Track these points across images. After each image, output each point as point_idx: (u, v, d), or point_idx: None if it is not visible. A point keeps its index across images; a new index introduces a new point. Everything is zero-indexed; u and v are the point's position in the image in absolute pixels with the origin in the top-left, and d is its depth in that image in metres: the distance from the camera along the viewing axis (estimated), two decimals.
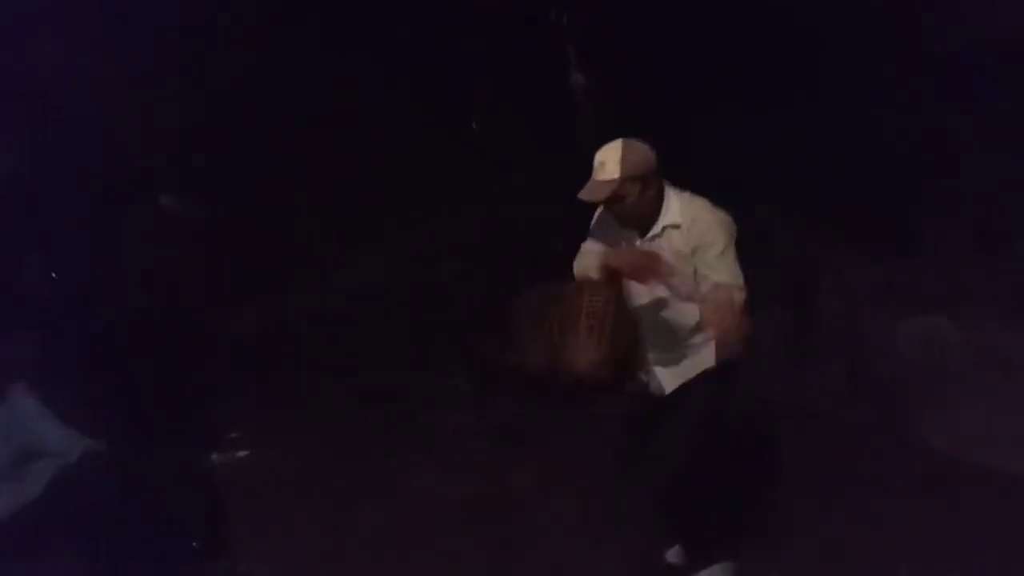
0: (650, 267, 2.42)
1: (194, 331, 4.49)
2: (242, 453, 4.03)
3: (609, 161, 2.38)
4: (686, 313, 2.52)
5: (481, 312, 4.75)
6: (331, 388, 4.49)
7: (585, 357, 3.86)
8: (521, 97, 5.22)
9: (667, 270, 2.41)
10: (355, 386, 4.51)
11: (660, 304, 2.54)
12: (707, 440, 2.66)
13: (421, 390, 4.51)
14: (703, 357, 2.60)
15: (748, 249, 4.36)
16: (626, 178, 2.37)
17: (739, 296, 2.40)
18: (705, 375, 2.61)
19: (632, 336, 3.63)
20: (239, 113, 5.02)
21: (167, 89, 4.86)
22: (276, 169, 5.11)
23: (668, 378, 2.64)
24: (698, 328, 2.54)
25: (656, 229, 2.49)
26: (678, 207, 2.47)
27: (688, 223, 2.45)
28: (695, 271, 2.47)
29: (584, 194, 2.43)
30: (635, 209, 2.45)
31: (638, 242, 2.54)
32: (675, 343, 2.58)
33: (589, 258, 2.62)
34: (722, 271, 2.42)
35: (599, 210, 2.62)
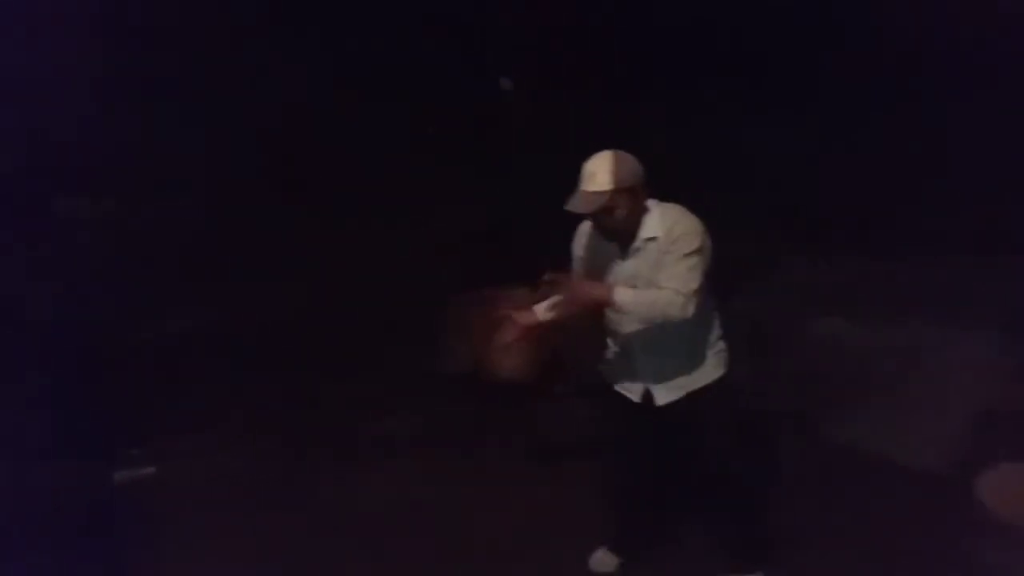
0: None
1: (93, 342, 4.26)
2: (148, 470, 3.85)
3: (600, 172, 2.35)
4: (689, 326, 2.47)
5: (404, 317, 4.69)
6: (248, 398, 4.34)
7: (509, 363, 3.94)
8: (451, 99, 5.19)
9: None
10: (274, 394, 4.39)
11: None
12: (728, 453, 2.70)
13: (342, 397, 4.42)
14: (698, 370, 2.61)
15: None
16: (617, 190, 2.35)
17: (677, 301, 2.37)
18: (702, 394, 2.62)
19: (559, 339, 3.71)
20: (169, 112, 4.81)
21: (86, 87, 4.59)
22: (192, 175, 4.91)
23: (661, 391, 2.62)
24: (694, 339, 2.58)
25: (638, 243, 2.48)
26: (657, 219, 2.46)
27: (664, 233, 2.43)
28: None
29: (573, 206, 2.38)
30: (622, 223, 2.42)
31: (619, 260, 2.52)
32: (667, 353, 2.57)
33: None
34: (672, 277, 2.40)
35: (577, 230, 2.62)
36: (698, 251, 2.40)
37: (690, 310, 2.36)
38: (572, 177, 2.42)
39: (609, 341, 2.73)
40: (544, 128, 4.92)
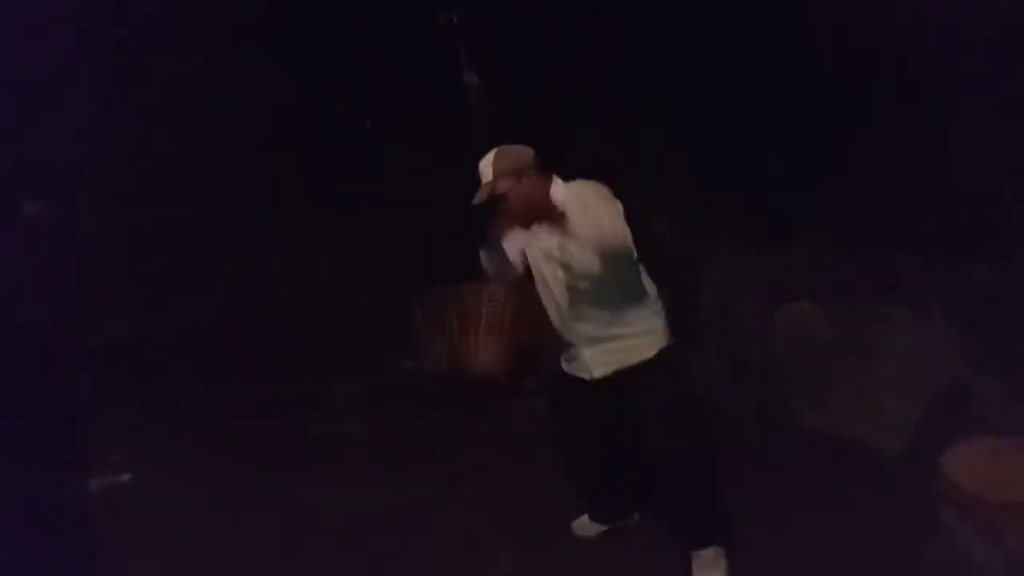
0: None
1: (64, 346, 4.20)
2: (124, 477, 3.81)
3: (485, 167, 2.64)
4: (620, 289, 2.71)
5: (373, 317, 4.68)
6: (216, 399, 4.31)
7: (486, 357, 4.00)
8: (417, 96, 5.18)
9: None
10: (242, 396, 4.36)
11: (580, 280, 2.69)
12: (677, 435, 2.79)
13: (311, 398, 4.41)
14: (637, 347, 2.75)
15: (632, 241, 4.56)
16: (499, 177, 2.60)
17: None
18: (644, 369, 2.75)
19: (530, 335, 3.80)
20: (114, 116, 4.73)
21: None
22: (147, 173, 4.84)
23: (597, 363, 2.78)
24: (624, 308, 2.73)
25: (545, 220, 2.66)
26: (563, 193, 2.63)
27: (577, 209, 2.57)
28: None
29: (475, 199, 2.64)
30: (519, 204, 2.63)
31: (534, 241, 2.73)
32: (605, 322, 2.72)
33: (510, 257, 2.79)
34: (615, 233, 2.56)
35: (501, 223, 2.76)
36: (614, 203, 2.57)
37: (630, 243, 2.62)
38: None
39: (559, 332, 2.85)
40: (510, 124, 4.95)
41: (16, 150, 4.44)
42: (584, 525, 3.19)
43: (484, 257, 2.81)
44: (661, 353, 2.79)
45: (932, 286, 3.78)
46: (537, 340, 4.34)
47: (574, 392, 2.90)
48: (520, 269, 2.84)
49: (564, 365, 2.92)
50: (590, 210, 2.53)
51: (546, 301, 2.84)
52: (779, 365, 4.08)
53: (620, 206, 2.60)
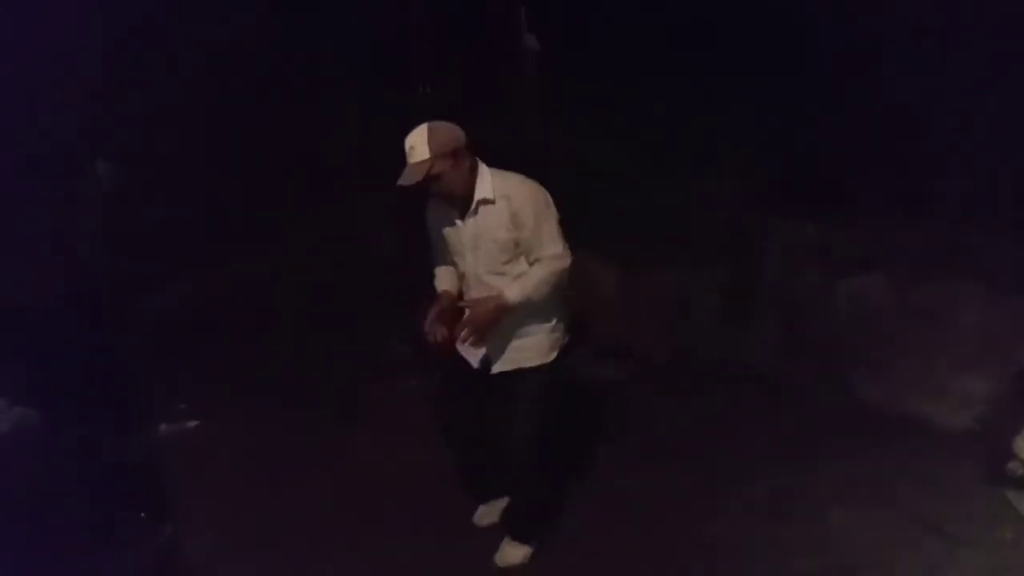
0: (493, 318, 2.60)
1: (135, 302, 4.37)
2: (192, 424, 3.97)
3: (418, 144, 2.49)
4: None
5: (424, 280, 4.73)
6: (278, 358, 4.43)
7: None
8: (471, 61, 5.16)
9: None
10: (302, 356, 4.47)
11: (495, 276, 2.65)
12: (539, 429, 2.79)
13: (367, 359, 4.50)
14: (534, 348, 2.74)
15: (688, 210, 4.51)
16: (436, 156, 2.48)
17: (562, 264, 2.63)
18: (536, 371, 2.74)
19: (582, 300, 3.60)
20: (169, 82, 4.84)
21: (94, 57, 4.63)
22: (207, 138, 4.96)
23: (495, 358, 2.75)
24: (534, 310, 2.68)
25: (474, 204, 2.61)
26: (490, 184, 2.60)
27: (503, 199, 2.58)
28: (516, 244, 2.62)
29: (402, 180, 2.52)
30: (452, 186, 2.56)
31: (458, 222, 2.65)
32: (510, 319, 2.66)
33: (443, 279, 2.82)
34: (547, 242, 2.61)
35: (428, 205, 2.76)
36: (548, 212, 2.61)
37: (569, 260, 2.63)
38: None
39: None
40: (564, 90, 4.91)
41: (87, 111, 4.59)
42: (483, 514, 3.17)
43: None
44: (554, 362, 2.77)
45: (1003, 259, 3.62)
46: (589, 305, 4.35)
47: (464, 375, 2.81)
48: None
49: (459, 345, 2.78)
50: (522, 208, 2.55)
51: (465, 289, 2.79)
52: (840, 337, 4.00)
53: (549, 199, 2.61)
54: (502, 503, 3.13)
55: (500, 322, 2.63)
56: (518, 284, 2.61)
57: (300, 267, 4.93)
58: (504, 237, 2.60)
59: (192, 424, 3.97)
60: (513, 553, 2.95)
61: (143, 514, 3.11)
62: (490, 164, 2.65)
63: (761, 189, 4.43)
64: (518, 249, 2.63)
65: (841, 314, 4.05)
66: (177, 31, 4.78)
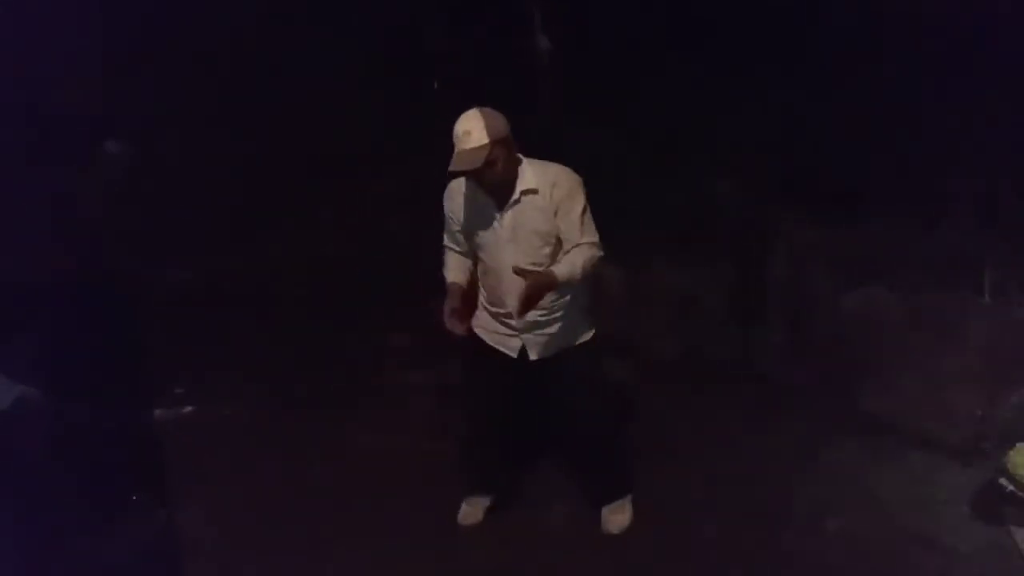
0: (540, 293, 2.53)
1: (138, 285, 4.37)
2: (187, 409, 3.97)
3: (475, 129, 2.41)
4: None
5: (432, 270, 4.72)
6: (281, 346, 4.43)
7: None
8: (484, 58, 5.13)
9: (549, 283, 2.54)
10: (305, 344, 4.47)
11: (536, 267, 2.59)
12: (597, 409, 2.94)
13: (371, 348, 4.49)
14: (573, 329, 2.76)
15: (694, 210, 4.48)
16: (494, 141, 2.41)
17: (600, 252, 2.64)
18: (579, 348, 2.78)
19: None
20: (175, 69, 4.83)
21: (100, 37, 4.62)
22: (222, 122, 4.94)
23: (534, 347, 2.75)
24: (574, 303, 2.72)
25: (515, 195, 2.56)
26: (531, 173, 2.56)
27: (548, 187, 2.55)
28: (557, 234, 2.60)
29: (457, 165, 2.45)
30: (502, 174, 2.49)
31: (497, 215, 2.59)
32: (547, 308, 2.66)
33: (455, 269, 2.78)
34: (587, 231, 2.60)
35: (448, 192, 2.70)
36: (585, 200, 2.59)
37: (602, 251, 2.63)
38: None
39: (483, 300, 2.80)
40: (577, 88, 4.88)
41: (97, 90, 4.58)
42: (467, 513, 3.15)
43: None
44: (592, 339, 2.81)
45: (1010, 270, 3.59)
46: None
47: (496, 366, 2.81)
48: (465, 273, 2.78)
49: (486, 336, 2.81)
50: (567, 197, 2.54)
51: (491, 282, 2.73)
52: (844, 343, 3.97)
53: (585, 200, 2.59)
54: (487, 501, 3.15)
55: (543, 298, 2.57)
56: (565, 261, 2.57)
57: (304, 255, 4.91)
58: (546, 228, 2.57)
59: (188, 409, 3.98)
60: (620, 516, 3.06)
61: (135, 496, 3.11)
62: None
63: (769, 191, 4.40)
64: (556, 239, 2.61)
65: (846, 320, 4.02)
66: (188, 16, 4.76)
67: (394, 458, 3.56)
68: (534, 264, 2.58)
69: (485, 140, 2.40)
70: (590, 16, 4.93)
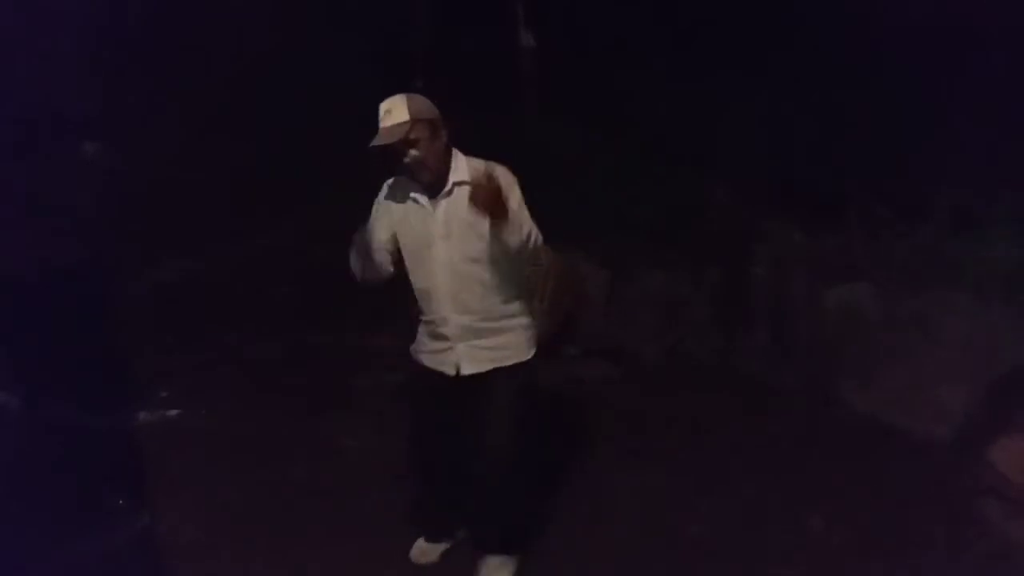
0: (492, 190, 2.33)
1: (119, 289, 4.33)
2: (171, 411, 3.93)
3: (396, 108, 2.38)
4: (506, 280, 2.52)
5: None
6: (261, 348, 4.40)
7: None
8: (466, 56, 5.13)
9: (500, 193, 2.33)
10: (285, 346, 4.44)
11: (471, 263, 2.48)
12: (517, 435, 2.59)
13: (350, 350, 4.47)
14: (510, 345, 2.58)
15: (679, 213, 4.52)
16: (415, 120, 2.36)
17: (541, 239, 2.45)
18: (513, 371, 2.57)
19: (573, 299, 3.56)
20: (167, 64, 4.80)
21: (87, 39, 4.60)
22: (204, 122, 4.92)
23: (468, 359, 2.57)
24: (509, 302, 2.55)
25: (448, 186, 2.47)
26: (465, 165, 2.48)
27: (481, 179, 2.38)
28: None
29: (377, 140, 2.38)
30: (428, 159, 2.41)
31: (424, 201, 2.48)
32: (486, 314, 2.53)
33: (376, 243, 2.53)
34: (527, 221, 2.42)
35: (385, 186, 2.59)
36: (520, 194, 2.44)
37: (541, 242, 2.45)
38: None
39: (422, 323, 2.65)
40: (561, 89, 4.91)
41: (75, 92, 4.54)
42: (423, 551, 2.90)
43: (355, 251, 2.52)
44: (531, 359, 2.62)
45: (991, 270, 3.64)
46: (579, 305, 4.34)
47: (430, 388, 2.65)
48: (388, 265, 2.57)
49: (424, 358, 2.65)
50: (507, 190, 2.35)
51: (422, 286, 2.56)
52: (828, 345, 4.01)
53: (521, 196, 2.44)
54: (444, 547, 2.91)
55: (436, 176, 2.41)
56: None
57: (286, 257, 4.90)
58: (483, 219, 2.37)
59: (172, 413, 3.94)
60: (498, 570, 2.72)
61: (120, 502, 3.07)
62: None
63: (753, 194, 4.44)
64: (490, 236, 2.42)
65: (828, 321, 4.06)
66: (181, 22, 4.74)
67: (377, 460, 3.53)
68: (471, 259, 2.47)
69: (405, 117, 2.35)
70: (578, 21, 4.97)
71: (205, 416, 3.91)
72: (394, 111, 2.37)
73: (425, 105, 2.42)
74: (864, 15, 4.02)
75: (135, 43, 4.71)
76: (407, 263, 2.57)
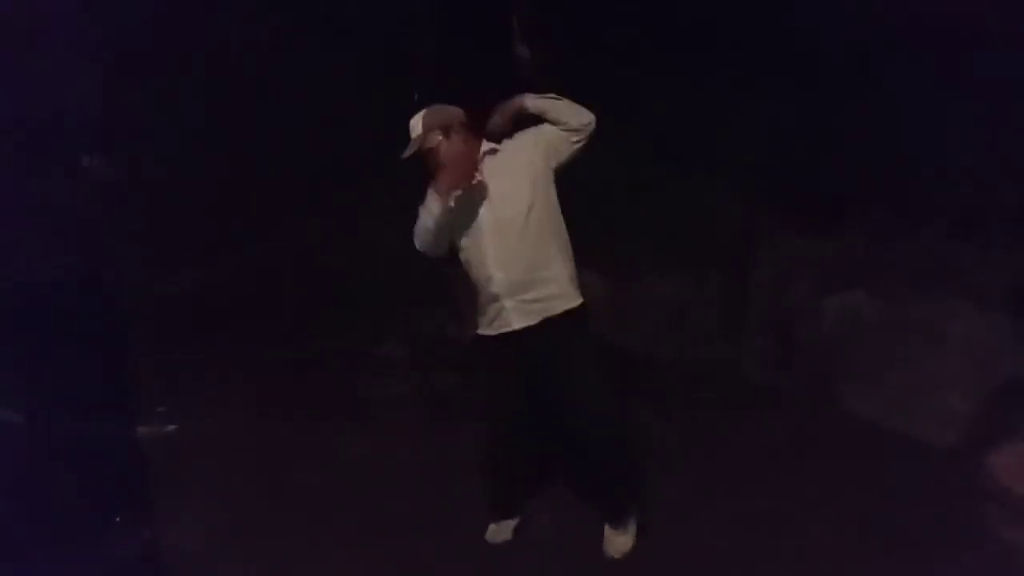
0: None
1: (118, 301, 4.32)
2: (175, 422, 3.94)
3: (415, 123, 2.76)
4: (539, 229, 2.70)
5: (419, 282, 4.72)
6: (266, 358, 4.40)
7: None
8: (465, 68, 5.13)
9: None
10: (291, 356, 4.45)
11: (510, 221, 2.69)
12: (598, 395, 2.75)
13: (357, 360, 4.48)
14: (557, 297, 2.72)
15: (681, 219, 4.52)
16: (427, 130, 2.71)
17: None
18: (566, 318, 2.71)
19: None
20: (169, 74, 4.80)
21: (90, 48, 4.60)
22: (206, 133, 4.92)
23: (519, 313, 2.72)
24: (551, 254, 2.72)
25: (483, 162, 2.76)
26: (488, 145, 2.79)
27: (509, 143, 2.77)
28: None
29: (405, 153, 2.73)
30: (446, 158, 2.70)
31: (464, 191, 2.71)
32: (528, 266, 2.69)
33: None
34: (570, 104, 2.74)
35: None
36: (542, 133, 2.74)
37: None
38: None
39: (478, 297, 2.82)
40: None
41: (77, 104, 4.54)
42: (496, 530, 3.10)
43: (421, 224, 2.76)
44: (581, 306, 2.76)
45: (993, 275, 3.64)
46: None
47: (494, 353, 2.81)
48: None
49: (483, 329, 2.84)
50: (535, 134, 2.71)
51: (468, 247, 2.77)
52: (830, 350, 4.01)
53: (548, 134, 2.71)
54: (515, 523, 3.11)
55: (463, 169, 2.69)
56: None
57: (290, 266, 4.90)
58: (524, 166, 2.69)
59: (176, 424, 3.94)
60: (623, 540, 2.90)
61: (118, 518, 3.07)
62: None
63: (755, 200, 4.44)
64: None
65: (831, 327, 4.06)
66: (182, 26, 4.74)
67: (382, 469, 3.55)
68: (509, 218, 2.68)
69: (419, 131, 2.73)
70: (579, 27, 4.96)
71: (210, 426, 3.92)
72: (414, 127, 2.75)
73: (439, 113, 2.77)
74: (865, 21, 4.02)
75: (138, 48, 4.71)
76: (455, 236, 2.79)
